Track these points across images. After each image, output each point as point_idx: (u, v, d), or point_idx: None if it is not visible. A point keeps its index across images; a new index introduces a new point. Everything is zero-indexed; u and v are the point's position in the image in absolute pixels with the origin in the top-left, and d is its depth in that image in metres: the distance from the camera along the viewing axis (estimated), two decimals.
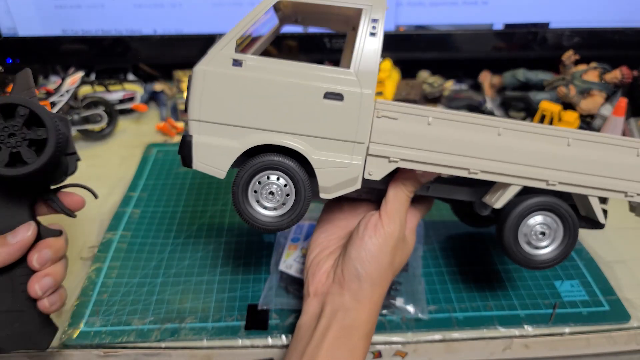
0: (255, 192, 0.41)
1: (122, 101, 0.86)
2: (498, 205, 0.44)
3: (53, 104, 0.76)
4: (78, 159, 0.42)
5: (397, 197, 0.44)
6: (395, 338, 0.48)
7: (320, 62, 0.92)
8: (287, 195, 0.41)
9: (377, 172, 0.42)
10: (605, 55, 0.84)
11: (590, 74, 0.78)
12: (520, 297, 0.52)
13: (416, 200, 0.50)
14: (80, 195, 0.43)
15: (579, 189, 0.43)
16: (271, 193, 0.41)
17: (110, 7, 0.86)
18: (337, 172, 0.41)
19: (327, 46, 0.89)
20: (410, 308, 0.49)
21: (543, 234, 0.44)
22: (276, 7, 0.48)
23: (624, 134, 0.74)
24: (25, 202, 0.40)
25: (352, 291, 0.41)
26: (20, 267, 0.39)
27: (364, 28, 0.40)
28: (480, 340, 0.48)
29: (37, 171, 0.36)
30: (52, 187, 0.42)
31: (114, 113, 0.81)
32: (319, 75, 0.39)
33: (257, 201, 0.41)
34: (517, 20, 0.87)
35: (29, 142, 0.36)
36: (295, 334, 0.43)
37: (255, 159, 0.41)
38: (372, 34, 0.40)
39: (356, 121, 0.40)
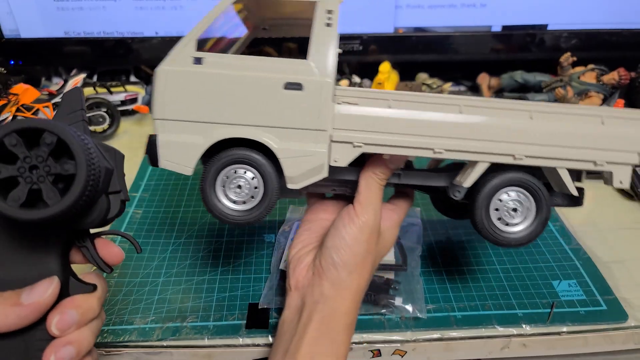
0: (223, 186, 0.42)
1: (124, 102, 0.87)
2: (467, 183, 0.43)
3: (55, 106, 0.76)
4: (125, 199, 0.35)
5: (369, 186, 0.44)
6: (394, 337, 0.48)
7: None
8: (255, 188, 0.42)
9: (343, 158, 0.42)
10: (602, 56, 0.84)
11: (588, 75, 0.79)
12: (519, 296, 0.52)
13: (396, 197, 0.50)
14: (119, 248, 0.37)
15: (547, 162, 0.43)
16: (239, 187, 0.42)
17: (112, 9, 0.87)
18: (301, 161, 0.41)
19: None
20: (409, 307, 0.50)
21: (515, 210, 0.44)
22: (240, 13, 0.48)
23: None
24: (54, 248, 0.33)
25: (331, 280, 0.41)
26: (39, 329, 0.32)
27: (319, 19, 0.41)
28: (479, 339, 0.48)
29: (59, 216, 0.29)
30: (92, 230, 0.35)
31: (116, 114, 0.82)
32: (278, 67, 0.40)
33: (226, 195, 0.42)
34: (515, 22, 0.88)
35: (54, 177, 0.29)
36: (278, 330, 0.43)
37: (221, 153, 0.41)
38: (328, 25, 0.41)
39: (317, 109, 0.40)
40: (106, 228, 0.38)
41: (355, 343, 0.47)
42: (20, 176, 0.28)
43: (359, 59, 0.92)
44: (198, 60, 0.40)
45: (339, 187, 0.48)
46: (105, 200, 0.33)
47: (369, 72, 0.93)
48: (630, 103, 0.79)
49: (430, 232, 0.62)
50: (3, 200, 0.28)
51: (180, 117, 0.40)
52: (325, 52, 0.40)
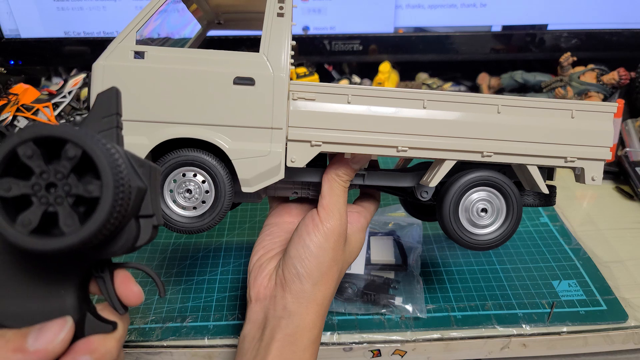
0: (171, 191, 0.39)
1: None
2: (433, 183, 0.41)
3: (55, 106, 0.76)
4: (157, 224, 0.30)
5: (332, 189, 0.41)
6: (394, 337, 0.48)
7: (321, 64, 0.94)
8: (207, 192, 0.39)
9: (300, 158, 0.40)
10: (602, 56, 0.85)
11: (588, 75, 0.79)
12: (518, 296, 0.52)
13: (362, 199, 0.48)
14: (140, 288, 0.31)
15: (516, 158, 0.41)
16: (188, 191, 0.39)
17: (111, 9, 0.87)
18: (256, 162, 0.38)
19: (327, 48, 0.89)
20: (409, 307, 0.50)
21: (484, 210, 0.42)
22: (191, 6, 0.46)
23: (621, 136, 0.74)
24: (71, 278, 0.28)
25: (294, 292, 0.39)
26: None
27: (270, 9, 0.38)
28: (479, 339, 0.48)
29: (77, 246, 0.23)
30: (115, 259, 0.30)
31: None
32: (226, 61, 0.38)
33: (174, 201, 0.39)
34: (516, 22, 0.88)
35: (75, 199, 0.24)
36: (239, 346, 0.40)
37: (168, 155, 0.38)
38: (280, 15, 0.38)
39: (271, 106, 0.38)
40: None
41: (355, 343, 0.47)
42: (35, 195, 0.23)
43: (359, 59, 0.92)
44: (139, 54, 0.37)
45: (300, 189, 0.45)
46: (134, 225, 0.28)
47: (369, 72, 0.93)
48: (630, 103, 0.79)
49: (431, 231, 0.62)
50: (11, 224, 0.23)
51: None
52: (278, 45, 0.38)
